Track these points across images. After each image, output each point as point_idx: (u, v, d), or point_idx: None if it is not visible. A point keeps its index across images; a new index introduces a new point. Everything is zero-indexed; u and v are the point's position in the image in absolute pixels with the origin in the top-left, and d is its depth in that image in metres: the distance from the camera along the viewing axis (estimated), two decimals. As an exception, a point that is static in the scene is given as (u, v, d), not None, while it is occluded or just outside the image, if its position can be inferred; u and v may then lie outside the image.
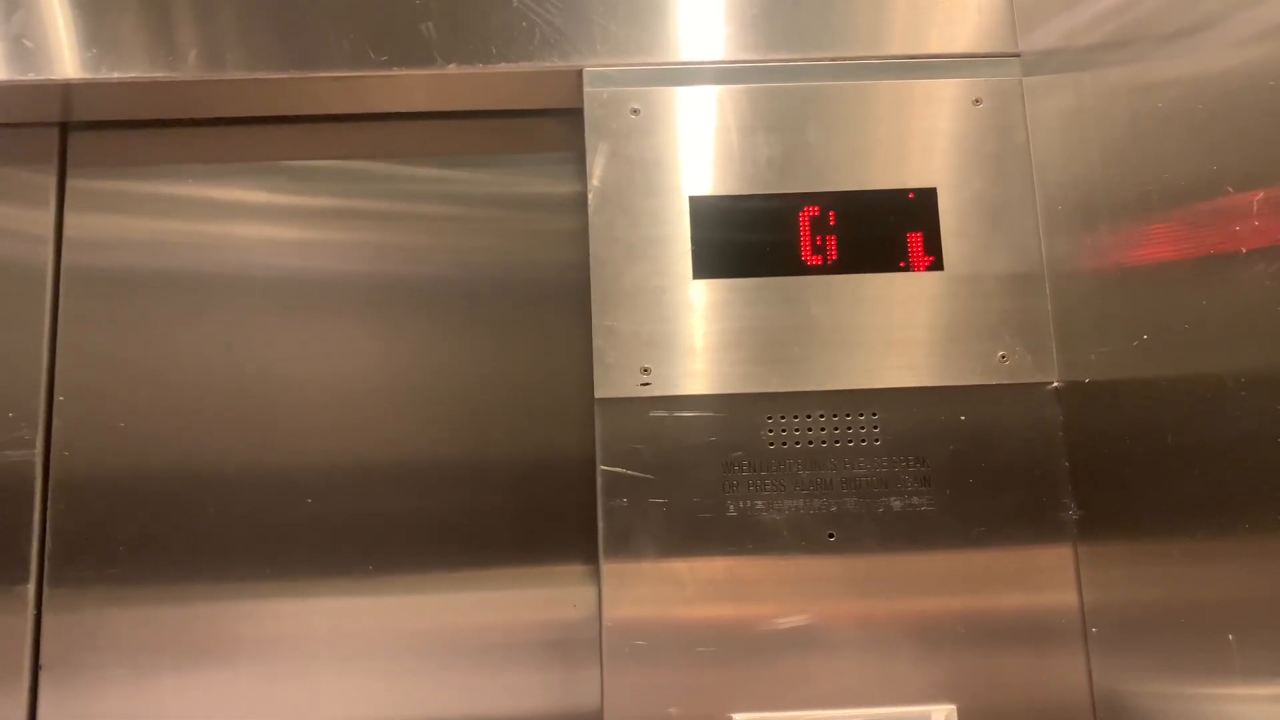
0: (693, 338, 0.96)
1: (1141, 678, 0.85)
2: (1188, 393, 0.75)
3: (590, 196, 0.98)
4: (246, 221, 1.06)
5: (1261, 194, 0.67)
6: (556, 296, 1.05)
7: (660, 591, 0.92)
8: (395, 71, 0.99)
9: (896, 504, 0.94)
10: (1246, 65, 0.69)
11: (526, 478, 1.03)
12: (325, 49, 0.99)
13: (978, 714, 0.91)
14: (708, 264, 0.97)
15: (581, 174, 1.00)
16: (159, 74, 0.99)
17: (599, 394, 0.95)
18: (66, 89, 1.00)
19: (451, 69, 0.99)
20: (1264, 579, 0.69)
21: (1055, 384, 0.95)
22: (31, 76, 0.98)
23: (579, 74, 1.00)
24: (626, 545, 0.93)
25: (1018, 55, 1.02)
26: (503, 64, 0.99)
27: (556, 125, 1.07)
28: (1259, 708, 0.70)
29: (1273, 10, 0.67)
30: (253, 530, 1.01)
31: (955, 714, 0.91)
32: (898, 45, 1.02)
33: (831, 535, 0.94)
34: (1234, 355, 0.70)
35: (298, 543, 1.01)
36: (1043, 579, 0.93)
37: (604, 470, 0.94)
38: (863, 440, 0.95)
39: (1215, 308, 0.72)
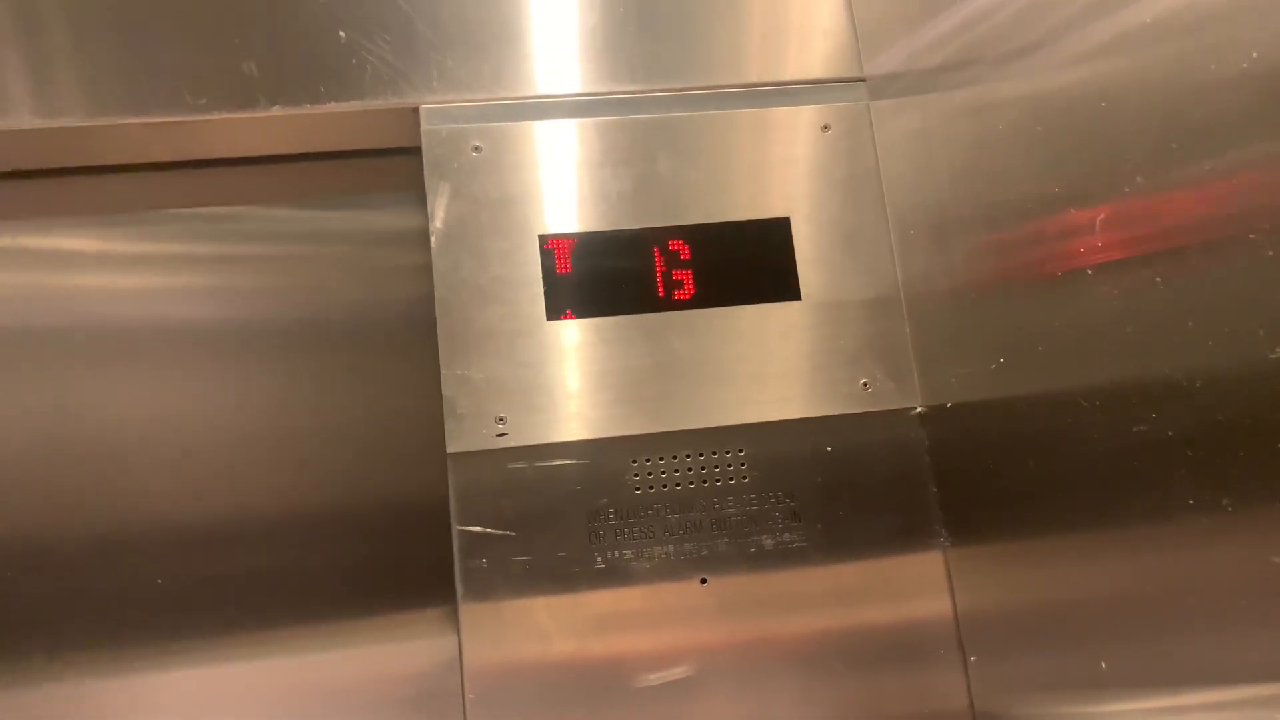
0: (550, 382, 0.92)
1: (1019, 700, 0.84)
2: (1044, 411, 0.75)
3: (433, 239, 0.93)
4: (79, 271, 0.98)
5: (1103, 212, 0.67)
6: (410, 335, 0.99)
7: (525, 650, 0.87)
8: (214, 116, 0.92)
9: (768, 542, 0.91)
10: (1078, 84, 0.69)
11: (385, 526, 0.96)
12: (136, 92, 0.92)
13: (861, 753, 0.89)
14: (562, 304, 0.93)
15: (426, 209, 0.95)
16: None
17: (451, 448, 0.89)
18: None
19: (276, 111, 0.93)
20: (1127, 585, 0.68)
21: (918, 409, 0.94)
22: None
23: (415, 112, 0.95)
24: (488, 606, 0.87)
25: (864, 80, 1.01)
26: (332, 104, 0.94)
27: (399, 163, 1.01)
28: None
29: (1099, 30, 0.67)
30: (94, 602, 0.92)
31: (840, 755, 0.88)
32: (753, 73, 1.01)
33: (704, 580, 0.90)
34: (1084, 372, 0.70)
35: (146, 611, 0.93)
36: (917, 605, 0.92)
37: (460, 530, 0.88)
38: (730, 479, 0.92)
39: (1064, 327, 0.72)
